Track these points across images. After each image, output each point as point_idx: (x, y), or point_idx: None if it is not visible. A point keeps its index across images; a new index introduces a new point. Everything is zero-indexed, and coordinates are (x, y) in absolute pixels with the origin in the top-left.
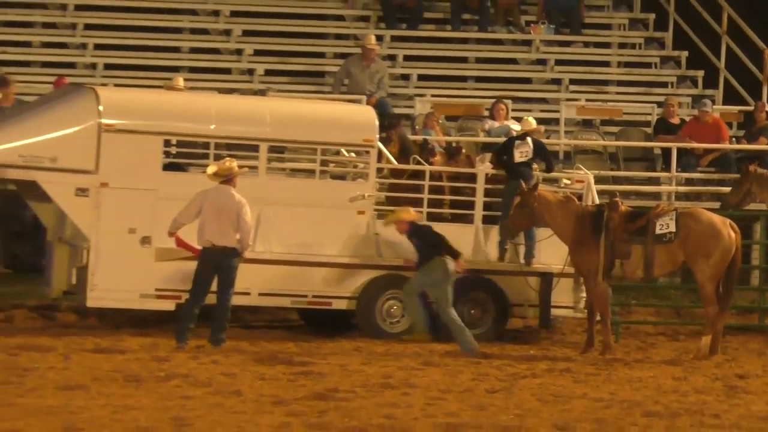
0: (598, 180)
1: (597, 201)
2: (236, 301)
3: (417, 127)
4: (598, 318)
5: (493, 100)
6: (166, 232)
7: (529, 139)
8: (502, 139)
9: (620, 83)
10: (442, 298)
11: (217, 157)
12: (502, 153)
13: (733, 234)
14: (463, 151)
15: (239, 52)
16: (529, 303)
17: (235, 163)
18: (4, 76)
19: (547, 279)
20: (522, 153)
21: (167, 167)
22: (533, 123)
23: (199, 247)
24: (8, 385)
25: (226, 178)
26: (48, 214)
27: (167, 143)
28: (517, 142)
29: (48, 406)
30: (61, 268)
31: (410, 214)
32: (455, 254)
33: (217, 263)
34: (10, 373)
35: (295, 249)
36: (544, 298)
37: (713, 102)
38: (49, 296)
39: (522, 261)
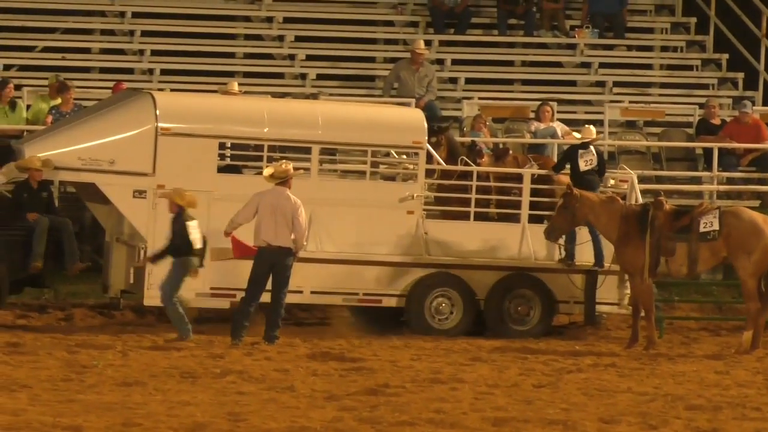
0: (642, 180)
1: (641, 200)
2: (289, 299)
3: (465, 129)
4: (642, 314)
5: (539, 103)
6: (221, 233)
7: (592, 148)
8: (548, 141)
9: (663, 85)
10: (173, 287)
11: (270, 160)
12: (564, 162)
13: None
14: (510, 152)
15: (292, 57)
16: (575, 300)
17: (290, 166)
18: (63, 82)
19: (592, 276)
20: (587, 162)
21: (224, 169)
22: (594, 132)
23: (254, 247)
24: (68, 382)
25: (282, 180)
26: (106, 215)
27: (222, 146)
28: (581, 151)
29: (106, 402)
30: (119, 268)
31: (183, 197)
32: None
33: (273, 263)
34: (70, 370)
35: (346, 248)
36: (590, 294)
37: (753, 103)
38: (108, 295)
39: (567, 260)
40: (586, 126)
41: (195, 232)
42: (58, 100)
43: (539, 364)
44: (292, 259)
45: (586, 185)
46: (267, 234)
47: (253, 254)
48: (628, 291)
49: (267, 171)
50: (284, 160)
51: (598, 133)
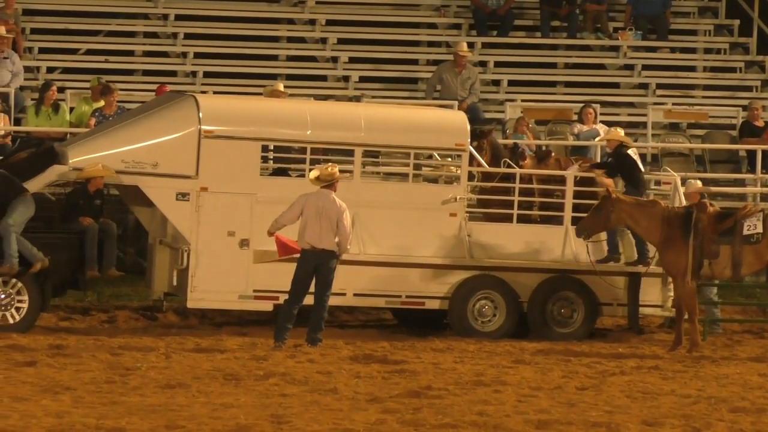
0: (685, 182)
1: (684, 202)
2: (332, 301)
3: (508, 131)
4: (686, 316)
5: (582, 105)
6: (264, 235)
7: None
8: (591, 143)
9: (706, 87)
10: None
11: (313, 162)
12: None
13: None
14: (553, 154)
15: (335, 59)
16: (618, 302)
17: (336, 169)
18: (107, 84)
19: (635, 278)
20: None
21: (267, 172)
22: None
23: (298, 247)
24: (112, 384)
25: (328, 183)
26: (149, 217)
27: (265, 149)
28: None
29: (150, 404)
30: (162, 271)
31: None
32: None
33: (316, 265)
34: (113, 373)
35: (389, 250)
36: (633, 297)
37: None
38: (151, 297)
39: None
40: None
41: None
42: (101, 103)
43: (582, 366)
44: (336, 261)
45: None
46: (311, 236)
47: (297, 254)
48: (672, 293)
49: (313, 173)
50: (330, 163)
51: (641, 135)
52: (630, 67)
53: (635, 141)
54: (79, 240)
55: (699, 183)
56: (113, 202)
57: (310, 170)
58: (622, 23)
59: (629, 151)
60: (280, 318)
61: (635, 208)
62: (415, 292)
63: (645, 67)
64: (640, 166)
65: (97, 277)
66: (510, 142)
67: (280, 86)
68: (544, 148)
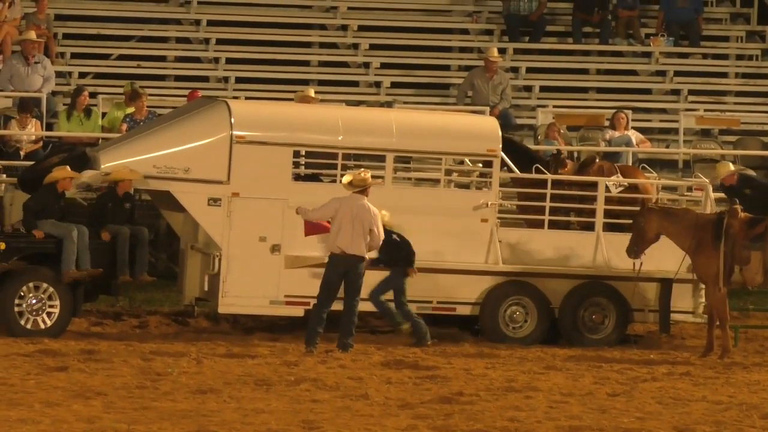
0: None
1: (715, 208)
2: (364, 306)
3: (539, 137)
4: (717, 323)
5: (614, 111)
6: (295, 240)
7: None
8: (623, 149)
9: (738, 94)
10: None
11: (345, 168)
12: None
13: None
14: (597, 160)
15: (366, 65)
16: (649, 308)
17: (369, 174)
18: (135, 89)
19: (666, 285)
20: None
21: (299, 177)
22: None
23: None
24: (143, 389)
25: (361, 189)
26: (181, 223)
27: (296, 154)
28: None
29: (181, 409)
30: (193, 276)
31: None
32: None
33: (346, 270)
34: (145, 378)
35: (420, 256)
36: (664, 303)
37: None
38: (182, 303)
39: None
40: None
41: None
42: (133, 108)
43: (614, 372)
44: (364, 266)
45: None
46: (343, 241)
47: (325, 231)
48: (703, 300)
49: (346, 179)
50: (363, 169)
51: (672, 141)
52: (662, 73)
53: (667, 147)
54: (111, 245)
55: (730, 165)
56: (145, 207)
57: (342, 176)
58: (654, 29)
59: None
60: (311, 323)
61: (665, 216)
62: (447, 297)
63: (677, 73)
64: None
65: (129, 282)
66: (548, 148)
67: (311, 92)
68: (576, 154)
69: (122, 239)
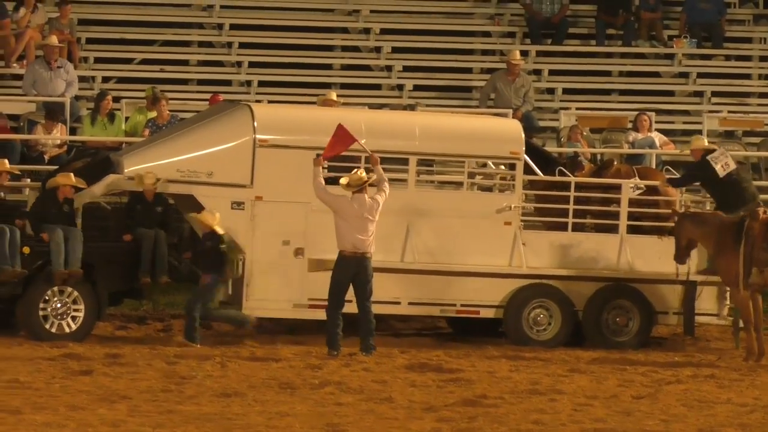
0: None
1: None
2: (387, 310)
3: (562, 139)
4: (741, 325)
5: (637, 113)
6: (318, 244)
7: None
8: (646, 151)
9: (761, 95)
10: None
11: (368, 171)
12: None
13: None
14: (615, 163)
15: (389, 68)
16: (674, 311)
17: (364, 173)
18: (155, 94)
19: (691, 287)
20: (724, 166)
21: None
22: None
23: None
24: (168, 393)
25: (359, 188)
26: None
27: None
28: (712, 156)
29: (206, 413)
30: None
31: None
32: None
33: (355, 272)
34: (169, 381)
35: (443, 259)
36: (688, 305)
37: None
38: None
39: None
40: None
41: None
42: (155, 113)
43: (638, 375)
44: (371, 263)
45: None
46: (353, 240)
47: (352, 143)
48: (728, 302)
49: (343, 180)
50: (358, 169)
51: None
52: (685, 75)
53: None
54: (136, 248)
55: (705, 141)
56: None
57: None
58: (676, 31)
59: (709, 157)
60: (329, 326)
61: (694, 220)
62: (470, 300)
63: (700, 75)
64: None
65: (150, 285)
66: (567, 150)
67: (333, 95)
68: (599, 156)
69: (146, 242)
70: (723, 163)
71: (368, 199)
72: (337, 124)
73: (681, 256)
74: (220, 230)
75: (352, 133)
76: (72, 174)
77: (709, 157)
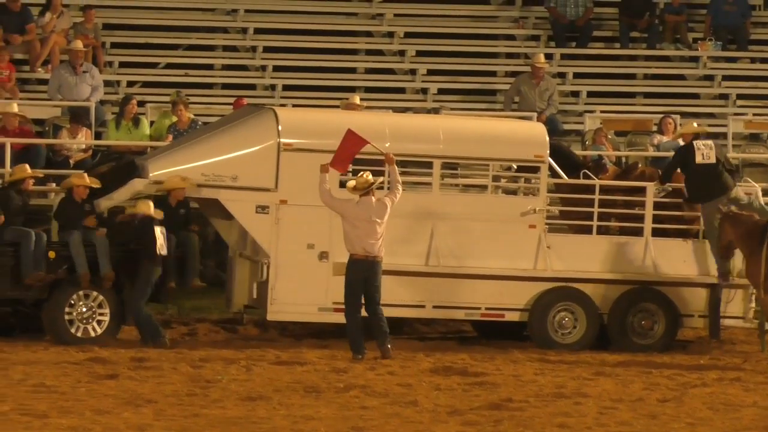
0: (766, 192)
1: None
2: (411, 313)
3: (587, 142)
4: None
5: (662, 116)
6: (343, 248)
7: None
8: (671, 154)
9: None
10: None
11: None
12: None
13: None
14: (640, 166)
15: (413, 72)
16: (699, 313)
17: (370, 175)
18: (174, 99)
19: (716, 290)
20: (703, 155)
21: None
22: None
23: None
24: (193, 397)
25: (366, 191)
26: (229, 230)
27: None
28: (696, 142)
29: (231, 416)
30: (242, 283)
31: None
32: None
33: (366, 276)
34: (194, 385)
35: (468, 262)
36: (714, 308)
37: None
38: (231, 310)
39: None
40: (689, 122)
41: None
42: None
43: (664, 378)
44: (381, 267)
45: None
46: (363, 244)
47: (364, 144)
48: (754, 305)
49: (349, 184)
50: (365, 171)
51: (721, 146)
52: (710, 78)
53: None
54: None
55: (695, 123)
56: (193, 214)
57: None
58: (701, 34)
59: (695, 142)
60: (350, 330)
61: (732, 222)
62: (495, 304)
63: (725, 78)
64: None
65: (175, 290)
66: (592, 153)
67: (357, 99)
68: (624, 159)
69: (191, 246)
70: (704, 153)
71: (375, 202)
72: (346, 130)
73: (723, 257)
74: (154, 215)
75: (374, 136)
76: (86, 174)
77: (695, 142)
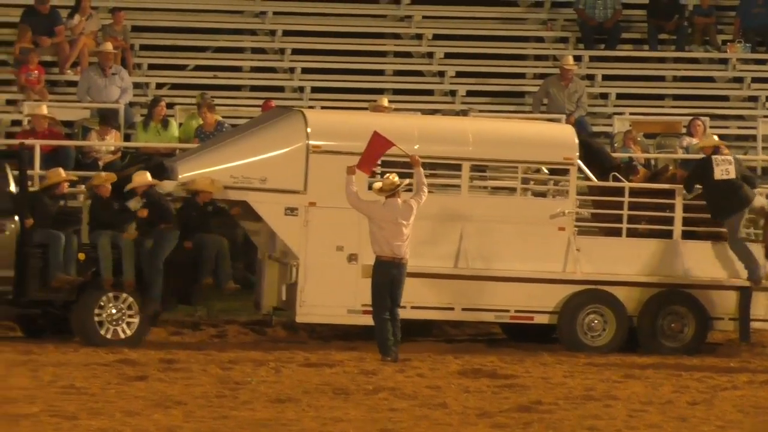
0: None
1: None
2: (440, 316)
3: (616, 144)
4: None
5: (691, 118)
6: (371, 250)
7: (729, 157)
8: (700, 156)
9: None
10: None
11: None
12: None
13: None
14: (670, 168)
15: (441, 74)
16: (729, 316)
17: (397, 177)
18: (199, 102)
19: (746, 293)
20: (723, 171)
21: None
22: (716, 139)
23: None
24: (222, 399)
25: (392, 193)
26: (258, 232)
27: None
28: (715, 157)
29: (260, 418)
30: (271, 285)
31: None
32: None
33: (392, 278)
34: (224, 387)
35: (497, 265)
36: (744, 311)
37: None
38: (260, 312)
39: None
40: (709, 135)
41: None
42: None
43: (693, 381)
44: (406, 269)
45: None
46: (390, 245)
47: (390, 146)
48: None
49: (376, 185)
50: (391, 173)
51: (750, 148)
52: (739, 80)
53: (745, 154)
54: (193, 254)
55: (715, 137)
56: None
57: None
58: (730, 36)
59: (714, 157)
60: (378, 332)
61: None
62: (524, 306)
63: (754, 80)
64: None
65: (212, 286)
66: (622, 155)
67: (385, 101)
68: (652, 162)
69: (209, 249)
70: (723, 168)
71: (402, 204)
72: (372, 132)
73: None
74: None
75: (403, 138)
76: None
77: (714, 157)
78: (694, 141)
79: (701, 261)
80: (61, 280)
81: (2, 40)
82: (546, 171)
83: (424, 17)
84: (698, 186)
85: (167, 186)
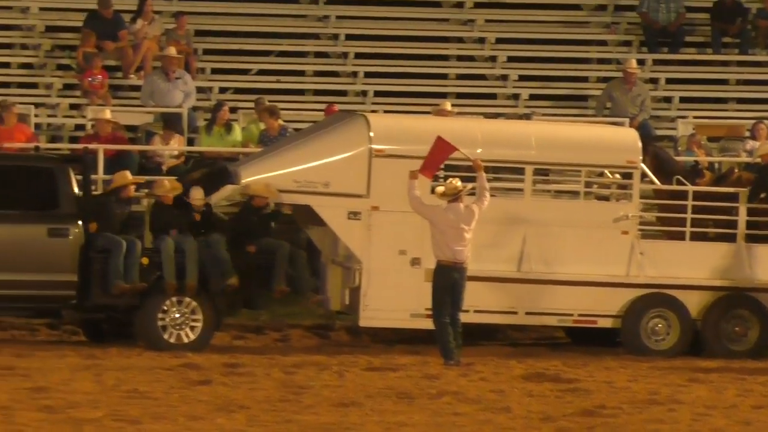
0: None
1: None
2: (504, 319)
3: (680, 148)
4: None
5: (754, 121)
6: (433, 254)
7: None
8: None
9: None
10: None
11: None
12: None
13: None
14: (736, 171)
15: (504, 77)
16: None
17: (459, 182)
18: (265, 107)
19: None
20: None
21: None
22: None
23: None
24: (286, 403)
25: (454, 197)
26: (321, 236)
27: None
28: None
29: (323, 422)
30: (334, 289)
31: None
32: None
33: (453, 282)
34: (287, 391)
35: (560, 269)
36: None
37: None
38: (324, 316)
39: None
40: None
41: None
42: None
43: (758, 384)
44: (466, 273)
45: None
46: (452, 250)
47: (453, 150)
48: None
49: (438, 189)
50: (453, 178)
51: None
52: None
53: None
54: (255, 258)
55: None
56: (285, 221)
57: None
58: None
59: None
60: (439, 336)
61: None
62: (588, 310)
63: None
64: None
65: (287, 293)
66: (687, 159)
67: (448, 105)
68: (716, 165)
69: (281, 253)
70: None
71: (464, 209)
72: (436, 137)
73: None
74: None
75: (467, 142)
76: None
77: None
78: (758, 144)
79: (765, 264)
80: (120, 287)
81: (66, 44)
82: (609, 175)
83: (487, 21)
84: (762, 195)
85: (230, 190)
